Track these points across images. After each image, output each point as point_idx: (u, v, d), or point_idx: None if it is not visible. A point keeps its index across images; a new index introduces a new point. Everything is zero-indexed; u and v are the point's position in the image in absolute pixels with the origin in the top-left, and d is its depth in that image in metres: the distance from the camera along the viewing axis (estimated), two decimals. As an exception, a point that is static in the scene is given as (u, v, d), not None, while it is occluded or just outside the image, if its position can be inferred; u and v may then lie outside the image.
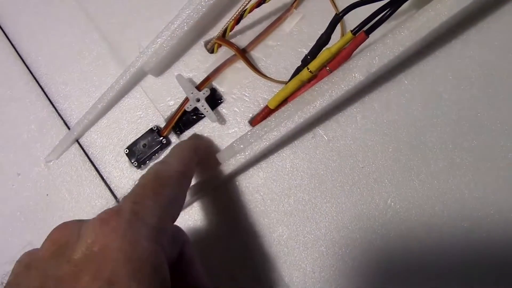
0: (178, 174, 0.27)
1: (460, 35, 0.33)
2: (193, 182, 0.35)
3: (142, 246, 0.21)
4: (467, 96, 0.32)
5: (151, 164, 0.36)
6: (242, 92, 0.36)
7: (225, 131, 0.35)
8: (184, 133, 0.36)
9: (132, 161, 0.37)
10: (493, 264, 0.31)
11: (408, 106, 0.33)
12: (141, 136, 0.37)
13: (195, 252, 0.28)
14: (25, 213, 0.38)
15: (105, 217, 0.22)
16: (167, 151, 0.36)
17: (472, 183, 0.32)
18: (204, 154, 0.34)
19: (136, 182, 0.26)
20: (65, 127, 0.39)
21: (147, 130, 0.37)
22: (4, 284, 0.22)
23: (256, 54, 0.36)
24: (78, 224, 0.23)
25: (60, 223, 0.24)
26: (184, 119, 0.36)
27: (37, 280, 0.21)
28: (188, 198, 0.34)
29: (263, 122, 0.32)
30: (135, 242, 0.21)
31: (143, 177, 0.26)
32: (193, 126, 0.36)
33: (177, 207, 0.26)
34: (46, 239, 0.23)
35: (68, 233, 0.22)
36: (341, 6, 0.35)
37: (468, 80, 0.32)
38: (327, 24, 0.32)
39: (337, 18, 0.31)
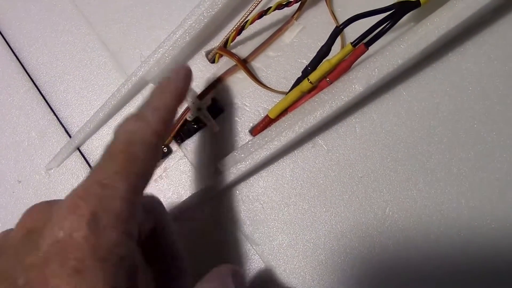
0: (155, 138, 0.24)
1: (457, 48, 0.33)
2: (194, 190, 0.36)
3: (107, 236, 0.20)
4: (463, 108, 0.33)
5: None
6: (243, 101, 0.36)
7: (226, 140, 0.36)
8: (185, 141, 0.36)
9: (133, 169, 0.37)
10: (489, 271, 0.31)
11: (406, 117, 0.34)
12: (142, 144, 0.37)
13: (171, 222, 0.28)
14: (25, 220, 0.38)
15: (71, 203, 0.21)
16: (168, 160, 0.36)
17: (469, 193, 0.32)
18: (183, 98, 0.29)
19: (106, 147, 0.23)
20: (66, 135, 0.39)
21: (148, 138, 0.37)
22: None
23: (257, 64, 0.36)
24: (47, 208, 0.22)
25: (31, 205, 0.23)
26: (185, 128, 0.36)
27: (6, 265, 0.21)
28: (188, 206, 0.35)
29: (264, 132, 0.33)
30: (100, 231, 0.20)
31: (113, 141, 0.24)
32: (194, 135, 0.36)
33: (148, 177, 0.24)
34: (18, 221, 0.23)
35: (38, 216, 0.22)
36: (340, 19, 0.35)
37: (465, 92, 0.33)
38: (326, 36, 0.32)
39: (338, 31, 0.31)
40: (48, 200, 0.24)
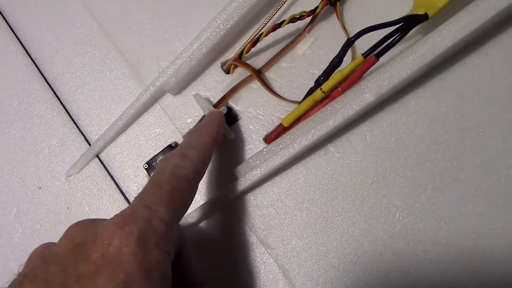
0: (195, 174, 0.28)
1: (463, 59, 0.35)
2: (210, 196, 0.37)
3: (152, 254, 0.22)
4: (469, 116, 0.34)
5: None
6: (257, 110, 0.37)
7: (241, 148, 0.37)
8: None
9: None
10: (497, 275, 0.32)
11: (415, 126, 0.35)
12: (160, 152, 0.38)
13: (191, 249, 0.31)
14: (46, 225, 0.40)
15: (120, 221, 0.23)
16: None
17: (475, 198, 0.34)
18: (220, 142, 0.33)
19: (154, 174, 0.27)
20: (86, 142, 0.40)
21: (165, 146, 0.38)
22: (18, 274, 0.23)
23: (271, 75, 0.38)
24: (94, 224, 0.24)
25: (75, 222, 0.25)
26: (201, 136, 0.38)
27: (57, 275, 0.22)
28: (205, 211, 0.36)
29: (278, 140, 0.34)
30: (146, 249, 0.22)
31: (160, 172, 0.27)
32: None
33: (186, 208, 0.27)
34: (63, 236, 0.25)
35: (84, 232, 0.24)
36: (351, 32, 0.37)
37: (471, 101, 0.34)
38: (337, 48, 0.33)
39: (349, 43, 0.33)
40: (92, 218, 0.26)
